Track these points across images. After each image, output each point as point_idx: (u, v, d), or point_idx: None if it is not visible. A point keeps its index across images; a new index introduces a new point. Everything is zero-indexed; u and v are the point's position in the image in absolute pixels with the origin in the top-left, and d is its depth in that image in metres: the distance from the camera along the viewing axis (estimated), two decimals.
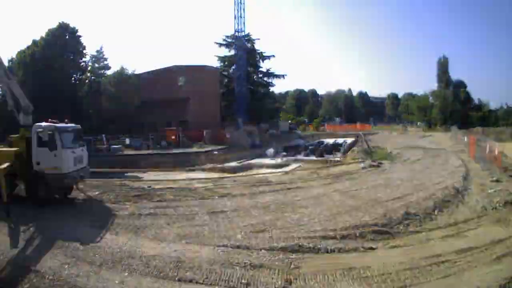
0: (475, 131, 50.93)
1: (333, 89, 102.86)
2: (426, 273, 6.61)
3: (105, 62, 53.34)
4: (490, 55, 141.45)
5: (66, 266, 7.17)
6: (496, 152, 19.27)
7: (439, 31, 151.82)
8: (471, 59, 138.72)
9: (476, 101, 79.39)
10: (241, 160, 31.17)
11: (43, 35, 35.31)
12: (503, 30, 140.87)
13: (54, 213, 10.98)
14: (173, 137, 36.70)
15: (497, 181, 14.71)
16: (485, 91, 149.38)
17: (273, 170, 23.47)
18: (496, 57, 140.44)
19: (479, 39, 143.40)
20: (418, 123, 76.44)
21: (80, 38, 39.11)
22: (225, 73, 56.17)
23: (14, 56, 36.12)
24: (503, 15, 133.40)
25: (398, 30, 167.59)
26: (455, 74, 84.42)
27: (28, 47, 34.09)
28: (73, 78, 35.69)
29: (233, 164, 28.09)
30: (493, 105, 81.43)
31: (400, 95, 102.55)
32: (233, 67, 53.39)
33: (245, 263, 7.12)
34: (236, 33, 48.99)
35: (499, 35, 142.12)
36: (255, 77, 57.00)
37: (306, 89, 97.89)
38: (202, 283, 6.45)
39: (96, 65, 52.22)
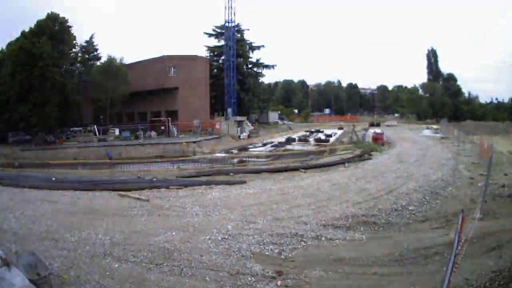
0: (463, 125, 51.97)
1: (322, 80, 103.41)
2: None
3: (96, 53, 53.50)
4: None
5: None
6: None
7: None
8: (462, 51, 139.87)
9: (467, 95, 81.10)
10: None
11: (32, 26, 35.22)
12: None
13: None
14: (162, 128, 37.36)
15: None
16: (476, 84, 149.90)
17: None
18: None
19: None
20: (408, 115, 77.34)
21: (70, 29, 39.00)
22: (214, 63, 56.44)
23: (4, 47, 36.11)
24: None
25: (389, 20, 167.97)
26: (447, 67, 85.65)
27: (17, 39, 34.02)
28: (62, 69, 35.73)
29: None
30: (482, 99, 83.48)
31: (390, 87, 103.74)
32: (222, 58, 53.66)
33: None
34: (226, 24, 49.24)
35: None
36: (244, 67, 57.28)
37: (296, 79, 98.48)
38: None
39: (86, 56, 52.23)
